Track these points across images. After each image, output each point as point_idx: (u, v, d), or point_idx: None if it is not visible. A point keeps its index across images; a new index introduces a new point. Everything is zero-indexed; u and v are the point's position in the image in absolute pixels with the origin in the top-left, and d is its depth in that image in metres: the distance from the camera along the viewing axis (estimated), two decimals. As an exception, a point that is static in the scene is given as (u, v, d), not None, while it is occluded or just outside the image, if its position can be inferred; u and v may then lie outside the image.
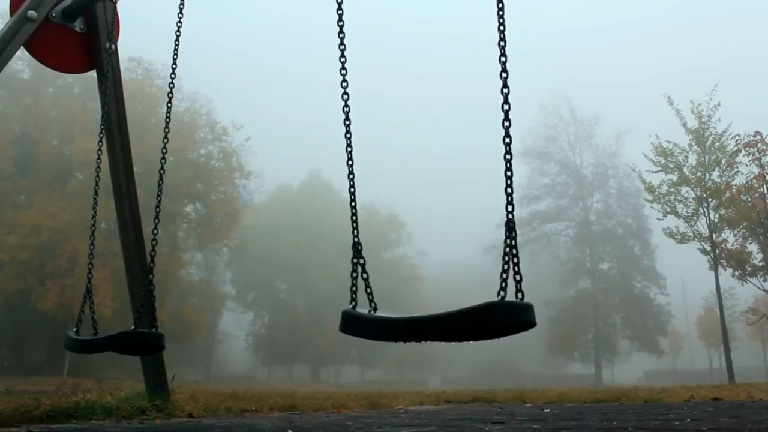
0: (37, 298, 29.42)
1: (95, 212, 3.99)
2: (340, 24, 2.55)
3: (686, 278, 55.66)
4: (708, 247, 21.07)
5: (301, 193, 58.11)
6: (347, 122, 2.49)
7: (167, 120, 3.72)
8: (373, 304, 2.20)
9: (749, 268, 21.47)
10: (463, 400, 6.95)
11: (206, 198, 37.75)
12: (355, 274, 2.27)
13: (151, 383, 4.42)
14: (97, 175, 4.06)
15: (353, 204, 2.41)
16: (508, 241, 1.88)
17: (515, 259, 1.86)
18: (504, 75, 2.02)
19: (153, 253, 3.51)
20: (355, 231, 2.36)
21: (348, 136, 2.48)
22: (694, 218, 21.41)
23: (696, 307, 55.60)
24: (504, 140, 1.97)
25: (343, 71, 2.52)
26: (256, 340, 56.89)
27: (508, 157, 1.96)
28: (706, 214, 21.26)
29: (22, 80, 32.05)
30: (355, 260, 2.30)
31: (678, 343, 59.36)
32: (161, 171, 3.62)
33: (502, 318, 1.79)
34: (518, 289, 1.85)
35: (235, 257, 47.05)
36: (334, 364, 58.08)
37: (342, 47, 2.53)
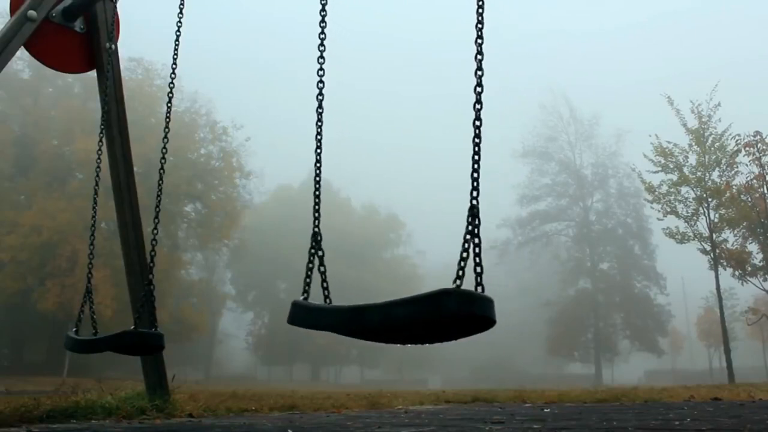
0: (37, 298, 29.40)
1: (95, 212, 3.99)
2: (322, 25, 2.55)
3: (686, 278, 55.68)
4: (708, 247, 21.07)
5: (301, 193, 58.00)
6: (320, 110, 2.48)
7: (167, 120, 3.72)
8: (328, 300, 2.14)
9: (749, 268, 21.48)
10: (463, 400, 6.95)
11: (206, 198, 37.73)
12: (311, 266, 2.21)
13: (151, 383, 4.42)
14: (97, 175, 4.06)
15: (317, 194, 2.39)
16: (470, 228, 1.77)
17: (477, 249, 1.77)
18: (479, 73, 1.97)
19: (153, 253, 3.51)
20: (316, 221, 2.30)
21: (319, 124, 2.48)
22: (694, 218, 21.42)
23: (696, 307, 55.62)
24: (474, 123, 1.91)
25: (321, 60, 2.51)
26: (256, 340, 56.86)
27: (477, 140, 1.89)
28: (706, 214, 21.27)
29: (22, 80, 32.01)
30: (312, 251, 2.24)
31: (678, 343, 59.36)
32: (161, 171, 3.62)
33: (455, 307, 1.65)
34: (478, 282, 1.74)
35: (235, 257, 47.03)
36: (334, 364, 58.06)
37: (321, 48, 2.52)
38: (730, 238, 21.74)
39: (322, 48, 2.52)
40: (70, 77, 30.50)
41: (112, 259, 25.11)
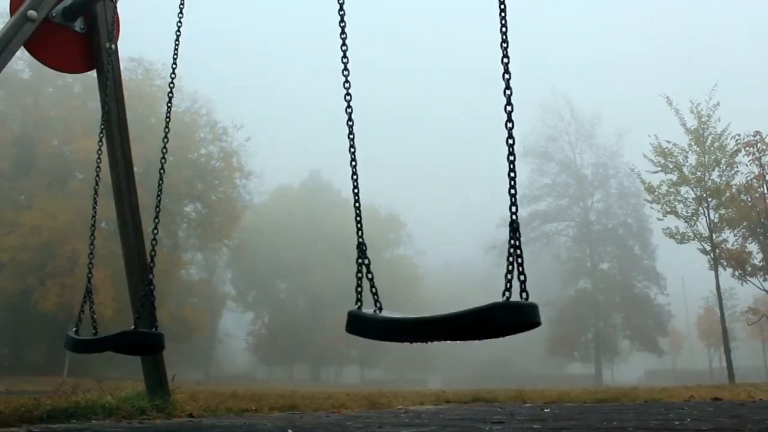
0: (37, 298, 29.40)
1: (95, 212, 3.98)
2: (342, 25, 2.56)
3: (686, 278, 55.65)
4: (708, 247, 21.06)
5: (301, 193, 58.04)
6: (350, 123, 2.51)
7: (167, 120, 3.72)
8: (378, 305, 2.22)
9: (749, 268, 21.46)
10: (463, 400, 6.94)
11: (206, 198, 37.73)
12: (360, 275, 2.29)
13: (151, 383, 4.42)
14: (97, 175, 4.05)
15: (357, 205, 2.45)
16: (512, 242, 1.89)
17: (519, 260, 1.88)
18: (507, 76, 2.02)
19: (153, 253, 3.51)
20: (360, 232, 2.37)
21: (351, 137, 2.49)
22: (694, 218, 21.40)
23: (696, 307, 55.62)
24: (507, 141, 1.99)
25: (346, 72, 2.55)
26: (256, 340, 56.85)
27: (511, 158, 1.98)
28: (706, 214, 21.26)
29: (22, 80, 31.98)
30: (360, 261, 2.30)
31: (678, 343, 59.36)
32: (161, 171, 3.62)
33: (507, 318, 1.81)
34: (523, 289, 1.87)
35: (235, 257, 47.03)
36: (334, 364, 58.05)
37: (344, 48, 2.56)
38: (730, 238, 21.76)
39: (345, 60, 2.55)
40: (70, 77, 30.49)
41: (112, 259, 25.06)
